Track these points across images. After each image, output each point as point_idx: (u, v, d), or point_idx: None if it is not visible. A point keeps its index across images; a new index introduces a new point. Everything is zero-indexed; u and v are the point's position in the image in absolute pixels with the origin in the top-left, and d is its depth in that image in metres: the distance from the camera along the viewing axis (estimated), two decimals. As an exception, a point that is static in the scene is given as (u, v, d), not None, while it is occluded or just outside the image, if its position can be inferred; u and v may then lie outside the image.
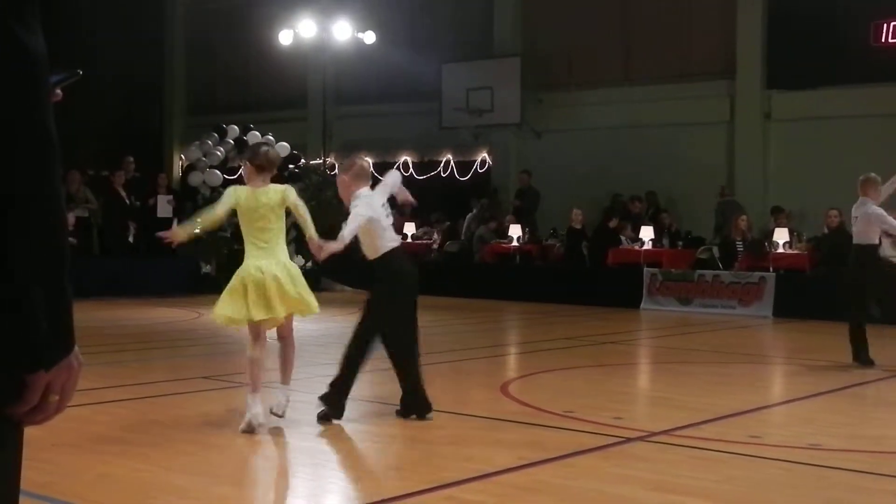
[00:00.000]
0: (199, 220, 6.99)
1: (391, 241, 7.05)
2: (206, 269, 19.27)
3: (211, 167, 19.31)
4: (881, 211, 10.20)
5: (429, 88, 22.70)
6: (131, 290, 17.14)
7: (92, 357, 10.22)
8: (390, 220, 7.09)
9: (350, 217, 6.81)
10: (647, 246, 18.01)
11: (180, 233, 7.01)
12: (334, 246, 6.64)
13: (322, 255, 6.69)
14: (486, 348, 11.84)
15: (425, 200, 22.13)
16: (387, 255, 7.00)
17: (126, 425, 6.70)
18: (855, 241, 10.33)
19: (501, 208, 21.44)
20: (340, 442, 6.62)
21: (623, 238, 18.73)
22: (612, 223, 19.00)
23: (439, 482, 5.22)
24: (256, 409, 6.52)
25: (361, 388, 8.84)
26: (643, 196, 20.12)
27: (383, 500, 4.98)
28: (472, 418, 7.28)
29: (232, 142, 19.58)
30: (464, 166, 23.38)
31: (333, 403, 6.96)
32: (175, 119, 28.28)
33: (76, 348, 1.66)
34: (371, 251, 7.06)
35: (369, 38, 22.09)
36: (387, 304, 7.03)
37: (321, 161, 22.58)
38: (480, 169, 23.28)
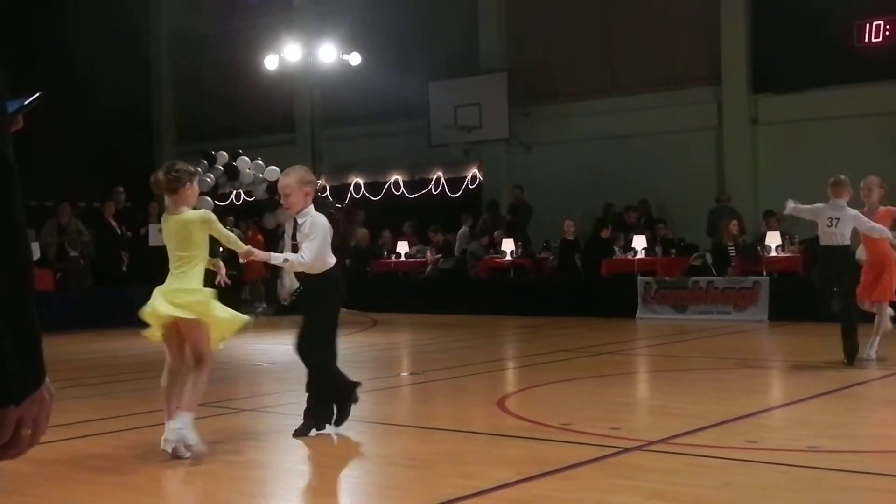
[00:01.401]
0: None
1: (332, 257, 7.25)
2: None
3: (201, 194, 19.27)
4: (858, 213, 10.31)
5: (416, 107, 22.76)
6: (126, 321, 17.03)
7: (88, 389, 10.22)
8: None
9: (311, 243, 6.96)
10: (641, 255, 18.01)
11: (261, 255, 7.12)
12: (265, 256, 7.14)
13: (245, 259, 7.09)
14: (483, 364, 11.81)
15: (417, 218, 22.30)
16: (331, 270, 7.22)
17: (121, 456, 6.67)
18: (833, 242, 10.35)
19: (500, 222, 21.46)
20: (337, 462, 6.60)
21: (616, 248, 18.73)
22: (605, 233, 19.01)
23: (437, 500, 5.20)
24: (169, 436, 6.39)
25: (357, 408, 8.82)
26: (636, 205, 20.14)
27: (381, 521, 4.97)
28: (470, 434, 7.26)
29: (221, 168, 19.57)
30: (455, 183, 23.41)
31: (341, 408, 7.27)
32: (164, 147, 28.29)
33: (47, 380, 1.64)
34: (321, 266, 7.14)
35: (355, 59, 22.15)
36: (330, 314, 7.28)
37: (312, 183, 22.57)
38: (471, 185, 23.30)
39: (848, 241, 10.36)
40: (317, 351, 7.15)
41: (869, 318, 10.52)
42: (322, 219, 7.12)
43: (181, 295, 6.45)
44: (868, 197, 10.54)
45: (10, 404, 1.58)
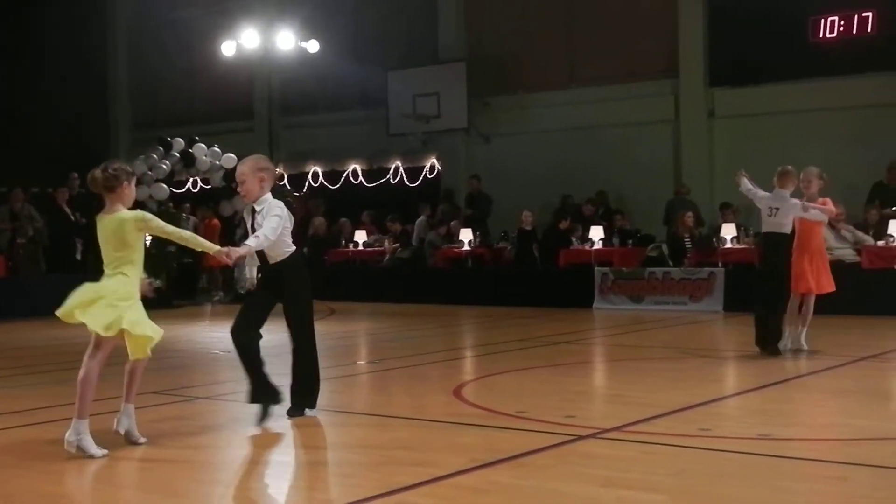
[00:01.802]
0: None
1: (291, 246, 7.24)
2: (158, 283, 19.06)
3: (157, 181, 19.13)
4: (798, 201, 10.49)
5: (375, 96, 22.70)
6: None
7: (41, 376, 10.10)
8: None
9: (269, 220, 6.91)
10: (598, 245, 18.10)
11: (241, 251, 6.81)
12: (244, 249, 6.80)
13: (233, 261, 6.84)
14: (440, 352, 11.82)
15: (375, 208, 22.27)
16: (293, 255, 7.23)
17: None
18: (772, 230, 10.54)
19: (457, 212, 21.47)
20: (290, 450, 6.57)
21: (574, 238, 18.81)
22: (563, 224, 19.08)
23: (390, 487, 5.19)
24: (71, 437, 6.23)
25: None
26: (594, 196, 20.24)
27: (335, 508, 4.96)
28: (426, 423, 7.26)
29: (178, 154, 19.41)
30: (413, 172, 23.39)
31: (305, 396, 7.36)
32: (120, 134, 28.00)
33: None
34: (279, 254, 7.14)
35: (313, 46, 22.05)
36: (309, 297, 7.38)
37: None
38: (430, 174, 23.29)
39: (787, 231, 10.55)
40: (312, 334, 7.42)
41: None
42: (279, 204, 7.09)
43: (100, 302, 6.26)
44: (807, 188, 10.71)
45: None
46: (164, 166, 19.31)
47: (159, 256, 17.37)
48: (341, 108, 23.70)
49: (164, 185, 19.21)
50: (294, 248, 7.27)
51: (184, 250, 16.62)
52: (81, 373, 6.32)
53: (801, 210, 10.49)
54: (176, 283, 19.92)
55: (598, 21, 21.08)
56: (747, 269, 16.50)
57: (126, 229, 6.30)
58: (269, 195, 7.13)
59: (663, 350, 11.99)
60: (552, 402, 7.98)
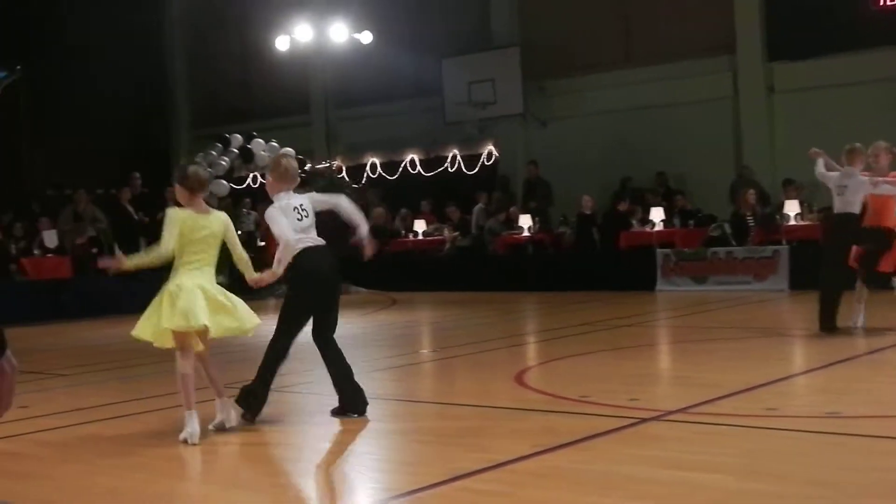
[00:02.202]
0: (147, 257, 6.68)
1: (304, 242, 6.92)
2: (220, 278, 19.21)
3: (217, 178, 19.31)
4: (867, 178, 10.23)
5: (430, 85, 22.66)
6: (145, 306, 17.16)
7: (105, 374, 10.25)
8: (305, 222, 6.95)
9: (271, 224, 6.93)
10: (659, 227, 17.91)
11: (126, 262, 6.71)
12: (269, 276, 6.82)
13: (262, 285, 6.95)
14: (501, 339, 11.77)
15: (434, 197, 22.26)
16: (300, 254, 6.91)
17: (137, 439, 6.67)
18: (841, 209, 10.32)
19: (513, 199, 21.38)
20: (354, 439, 6.58)
21: (634, 221, 18.64)
22: (623, 206, 18.91)
23: (452, 474, 5.17)
24: (195, 428, 6.39)
25: (374, 385, 8.82)
26: (653, 177, 20.03)
27: (396, 496, 4.95)
28: (487, 409, 7.23)
29: (236, 151, 19.58)
30: (470, 160, 23.33)
31: (250, 405, 6.93)
32: (180, 132, 28.32)
33: (8, 353, 1.61)
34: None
35: (366, 38, 22.07)
36: (296, 303, 7.01)
37: (327, 165, 22.56)
38: (487, 161, 23.22)
39: (856, 210, 10.29)
40: (277, 336, 7.04)
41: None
42: (274, 205, 6.94)
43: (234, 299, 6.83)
44: (876, 162, 10.44)
45: None
46: (224, 163, 19.49)
47: (221, 251, 17.59)
48: (397, 98, 23.70)
49: (224, 182, 19.39)
50: (303, 245, 6.91)
51: (245, 244, 16.75)
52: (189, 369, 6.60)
53: (870, 186, 10.23)
54: (239, 278, 20.09)
55: (651, -1, 20.81)
56: (812, 245, 16.23)
57: (231, 229, 6.75)
58: (280, 195, 7.00)
59: (728, 330, 11.83)
60: (615, 385, 7.91)
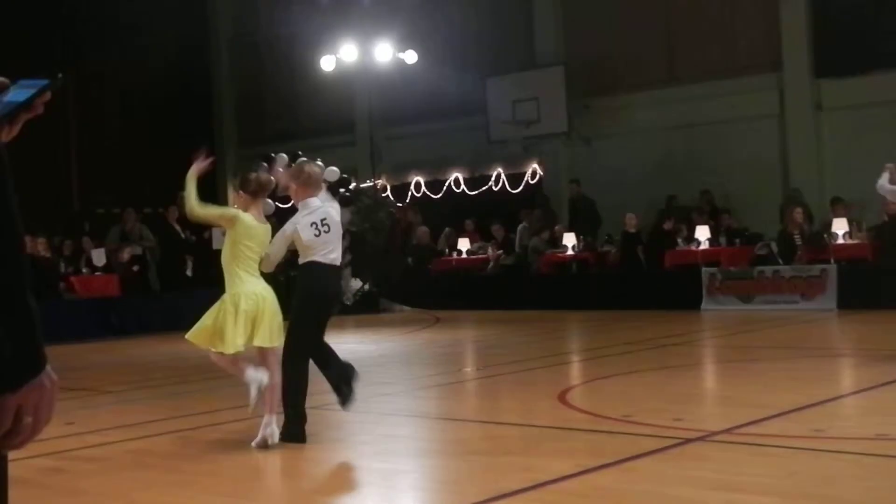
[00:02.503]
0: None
1: (315, 256, 6.90)
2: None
3: (263, 196, 19.47)
4: None
5: (474, 103, 22.69)
6: (193, 323, 17.31)
7: (152, 390, 10.34)
8: (324, 237, 6.88)
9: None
10: (704, 246, 17.77)
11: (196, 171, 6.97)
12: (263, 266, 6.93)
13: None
14: (545, 358, 11.72)
15: (478, 215, 22.27)
16: (304, 266, 6.94)
17: (181, 456, 6.73)
18: None
19: (554, 218, 21.33)
20: (397, 458, 6.58)
21: (679, 239, 18.51)
22: (668, 225, 18.80)
23: (496, 493, 5.15)
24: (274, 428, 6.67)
25: (417, 403, 8.84)
26: (698, 195, 19.89)
27: (439, 515, 4.95)
28: (531, 428, 7.20)
29: (281, 170, 19.71)
30: (515, 179, 23.31)
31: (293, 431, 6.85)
32: (226, 151, 28.56)
33: (48, 368, 1.63)
34: (303, 261, 7.01)
35: (410, 57, 22.15)
36: (298, 313, 7.00)
37: (372, 184, 22.67)
38: (532, 180, 23.19)
39: None
40: (289, 346, 6.96)
41: None
42: (299, 215, 6.96)
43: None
44: None
45: (5, 392, 1.57)
46: (270, 182, 19.64)
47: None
48: (441, 117, 23.75)
49: (270, 201, 19.48)
50: (312, 258, 6.89)
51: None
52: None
53: None
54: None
55: (696, 15, 20.70)
56: (862, 265, 16.03)
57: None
58: (308, 201, 7.00)
59: (774, 350, 11.70)
60: (660, 404, 7.84)
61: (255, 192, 6.78)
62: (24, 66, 1.86)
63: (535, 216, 21.19)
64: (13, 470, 1.72)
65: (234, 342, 6.53)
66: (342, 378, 6.99)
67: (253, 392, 6.67)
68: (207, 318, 6.73)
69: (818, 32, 19.41)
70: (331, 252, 6.96)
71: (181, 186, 6.99)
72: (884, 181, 10.49)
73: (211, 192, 26.74)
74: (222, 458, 6.48)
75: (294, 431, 6.80)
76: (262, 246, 6.81)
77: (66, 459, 6.71)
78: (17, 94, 1.69)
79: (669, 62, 21.24)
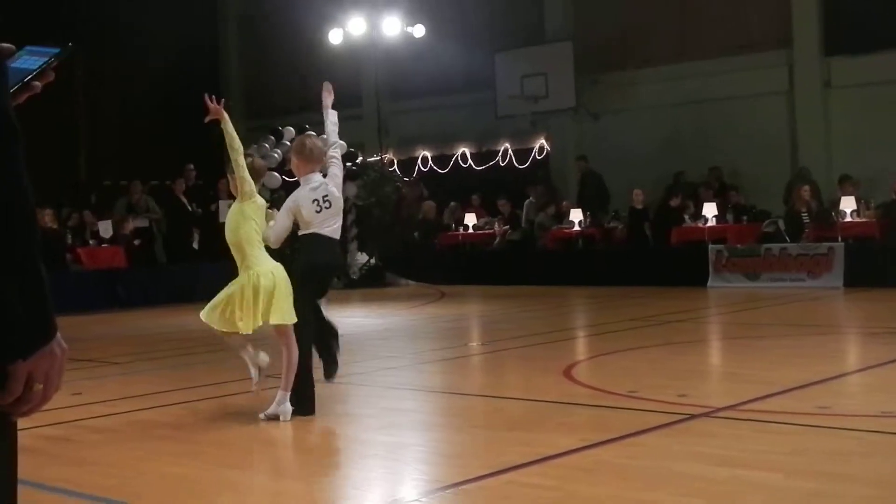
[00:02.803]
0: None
1: (315, 228, 6.93)
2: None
3: (270, 170, 19.43)
4: None
5: (482, 78, 22.61)
6: (199, 296, 17.30)
7: (158, 362, 10.37)
8: (324, 213, 6.91)
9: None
10: (711, 223, 17.74)
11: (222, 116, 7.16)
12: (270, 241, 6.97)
13: None
14: (550, 333, 11.73)
15: (485, 191, 22.24)
16: (305, 237, 6.98)
17: (189, 426, 6.76)
18: None
19: (557, 193, 21.30)
20: (401, 431, 6.60)
21: (686, 216, 18.48)
22: (675, 201, 18.76)
23: (499, 467, 5.17)
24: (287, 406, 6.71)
25: (422, 377, 8.86)
26: (706, 172, 19.84)
27: (443, 487, 4.96)
28: (535, 403, 7.21)
29: (289, 143, 19.69)
30: (522, 154, 23.26)
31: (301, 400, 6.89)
32: (234, 124, 28.51)
33: (58, 335, 1.63)
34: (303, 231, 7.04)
35: (419, 31, 22.07)
36: (299, 283, 6.93)
37: (378, 158, 22.63)
38: (539, 155, 23.14)
39: None
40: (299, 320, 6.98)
41: None
42: (298, 193, 7.02)
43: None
44: None
45: (17, 358, 1.57)
46: (276, 155, 19.62)
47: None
48: (449, 91, 23.68)
49: (276, 174, 19.51)
50: (312, 231, 6.94)
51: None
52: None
53: None
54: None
55: (706, -7, 20.59)
56: (869, 243, 16.00)
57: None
58: (309, 176, 7.03)
59: (780, 327, 11.70)
60: (664, 380, 7.85)
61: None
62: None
63: (539, 192, 21.17)
64: (21, 439, 1.73)
65: (255, 321, 6.57)
66: (328, 351, 7.23)
67: (254, 374, 6.75)
68: (223, 299, 6.70)
69: (828, 10, 19.29)
70: (331, 225, 7.02)
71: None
72: None
73: (218, 164, 26.79)
74: (229, 429, 6.51)
75: (304, 400, 6.86)
76: (263, 224, 6.83)
77: (73, 429, 6.74)
78: (27, 61, 1.68)
79: (679, 38, 21.12)
